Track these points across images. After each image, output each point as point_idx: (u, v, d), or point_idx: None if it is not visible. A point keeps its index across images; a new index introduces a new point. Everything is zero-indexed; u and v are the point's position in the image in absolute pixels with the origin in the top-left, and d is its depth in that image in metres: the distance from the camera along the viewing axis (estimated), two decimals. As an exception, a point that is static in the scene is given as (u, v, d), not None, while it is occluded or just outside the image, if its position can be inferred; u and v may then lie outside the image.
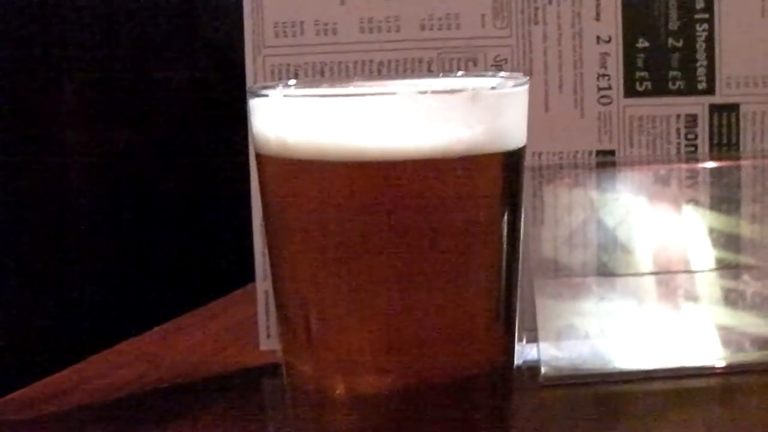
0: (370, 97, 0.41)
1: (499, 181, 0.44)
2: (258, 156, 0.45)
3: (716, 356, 0.69)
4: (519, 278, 0.54)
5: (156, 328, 0.81)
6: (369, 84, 0.44)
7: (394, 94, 0.41)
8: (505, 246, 0.45)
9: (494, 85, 0.43)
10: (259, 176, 0.45)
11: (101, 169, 1.03)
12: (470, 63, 0.70)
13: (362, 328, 0.44)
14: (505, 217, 0.44)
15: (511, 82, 0.44)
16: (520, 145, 0.45)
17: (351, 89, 0.42)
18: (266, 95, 0.43)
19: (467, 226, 0.43)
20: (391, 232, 0.42)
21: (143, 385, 0.70)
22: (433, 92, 0.42)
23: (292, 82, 0.46)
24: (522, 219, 0.46)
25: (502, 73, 0.44)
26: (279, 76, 0.71)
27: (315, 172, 0.42)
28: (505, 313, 0.45)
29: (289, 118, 0.42)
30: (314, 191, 0.43)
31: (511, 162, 0.44)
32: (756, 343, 0.70)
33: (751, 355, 0.70)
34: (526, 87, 0.45)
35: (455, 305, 0.43)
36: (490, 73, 0.45)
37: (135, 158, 1.03)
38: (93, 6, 0.92)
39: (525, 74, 0.72)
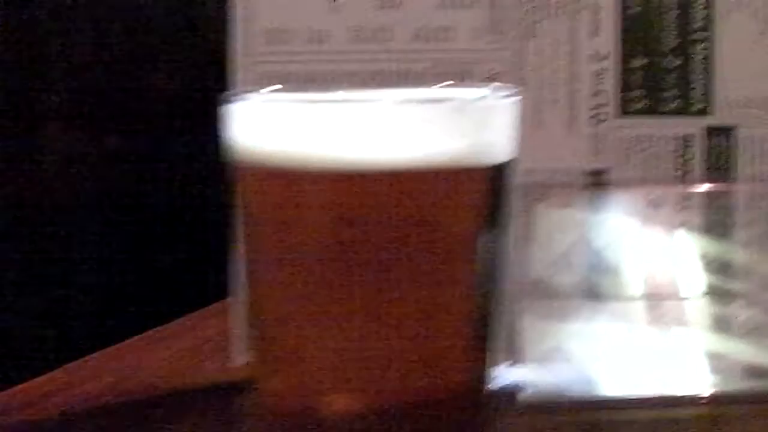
0: (350, 104, 0.40)
1: (483, 196, 0.42)
2: (233, 165, 0.43)
3: (705, 384, 0.68)
4: (506, 298, 0.53)
5: (128, 340, 0.79)
6: (352, 92, 0.42)
7: (375, 102, 0.40)
8: (488, 264, 0.43)
9: (480, 96, 0.42)
10: (234, 186, 0.43)
11: (81, 176, 1.01)
12: (463, 76, 0.69)
13: (336, 345, 0.42)
14: (489, 233, 0.43)
15: (498, 94, 0.43)
16: (508, 159, 0.44)
17: (330, 96, 0.41)
18: (241, 100, 0.41)
19: (449, 241, 0.42)
20: (370, 246, 0.40)
21: (112, 398, 0.68)
22: (416, 102, 0.40)
23: (271, 88, 0.44)
24: (508, 236, 0.44)
25: (492, 85, 0.42)
26: (269, 84, 0.69)
27: (291, 182, 0.41)
28: (484, 334, 0.44)
29: (264, 125, 0.41)
30: (290, 202, 0.41)
31: (498, 176, 0.43)
32: (746, 372, 0.69)
33: (741, 384, 0.68)
34: (515, 99, 0.44)
35: (433, 324, 0.42)
36: (479, 84, 0.43)
37: (114, 166, 1.01)
38: (84, 10, 0.90)
39: (518, 89, 0.71)
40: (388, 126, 0.40)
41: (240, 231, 0.44)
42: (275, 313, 0.43)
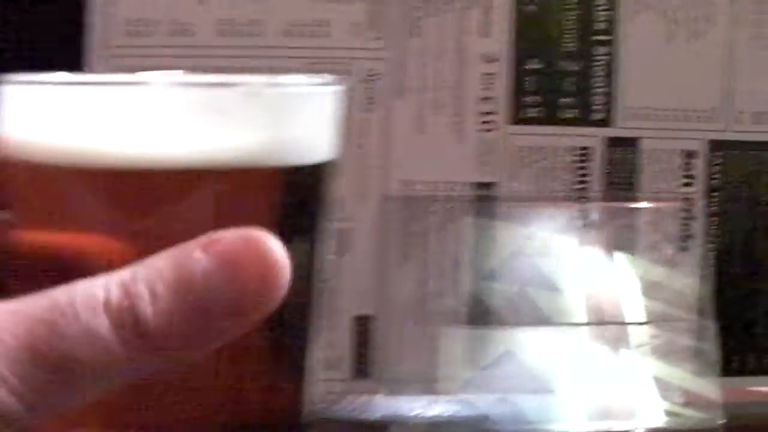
0: (111, 87, 0.33)
1: (282, 203, 0.36)
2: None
3: (614, 418, 0.63)
4: (384, 321, 0.47)
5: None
6: (137, 75, 0.36)
7: (142, 84, 0.33)
8: (295, 281, 0.36)
9: (282, 83, 0.35)
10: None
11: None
12: (339, 75, 0.64)
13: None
14: (297, 246, 0.36)
15: (311, 82, 0.36)
16: (322, 160, 0.37)
17: (90, 77, 0.34)
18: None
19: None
20: (137, 259, 0.33)
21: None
22: (195, 86, 0.34)
23: (51, 74, 0.38)
24: (323, 251, 0.38)
25: (308, 73, 0.36)
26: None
27: (42, 178, 0.34)
28: (289, 359, 0.37)
29: (12, 111, 0.34)
30: (43, 203, 0.34)
31: (305, 180, 0.36)
32: (659, 399, 0.64)
33: (645, 417, 0.64)
34: (333, 89, 0.37)
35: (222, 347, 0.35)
36: (296, 75, 0.37)
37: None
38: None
39: (397, 91, 0.66)
40: (159, 114, 0.33)
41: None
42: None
